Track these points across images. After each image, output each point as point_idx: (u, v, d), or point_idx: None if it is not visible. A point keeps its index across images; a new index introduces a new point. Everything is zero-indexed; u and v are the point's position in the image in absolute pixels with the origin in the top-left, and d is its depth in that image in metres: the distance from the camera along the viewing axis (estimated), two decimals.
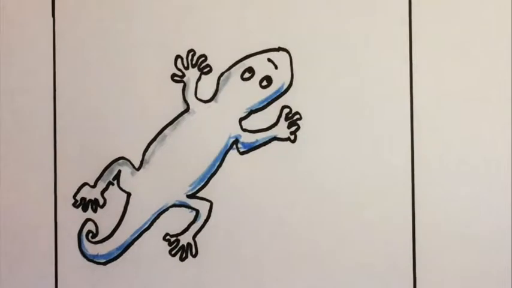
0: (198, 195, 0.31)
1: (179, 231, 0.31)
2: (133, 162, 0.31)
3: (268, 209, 0.31)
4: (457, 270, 0.30)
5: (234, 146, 0.31)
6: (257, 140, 0.31)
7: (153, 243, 0.31)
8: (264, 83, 0.31)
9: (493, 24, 0.30)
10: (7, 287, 0.31)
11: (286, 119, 0.31)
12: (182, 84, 0.31)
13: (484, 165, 0.30)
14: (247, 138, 0.31)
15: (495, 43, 0.30)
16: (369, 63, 0.31)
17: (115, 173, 0.31)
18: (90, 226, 0.31)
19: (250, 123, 0.31)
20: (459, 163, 0.30)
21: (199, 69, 0.31)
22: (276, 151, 0.31)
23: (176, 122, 0.31)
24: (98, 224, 0.31)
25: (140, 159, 0.31)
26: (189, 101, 0.31)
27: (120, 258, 0.31)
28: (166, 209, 0.31)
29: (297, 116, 0.31)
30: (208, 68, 0.31)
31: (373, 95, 0.30)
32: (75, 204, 0.31)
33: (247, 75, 0.31)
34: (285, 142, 0.31)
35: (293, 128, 0.31)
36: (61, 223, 0.31)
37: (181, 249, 0.31)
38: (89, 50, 0.31)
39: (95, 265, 0.31)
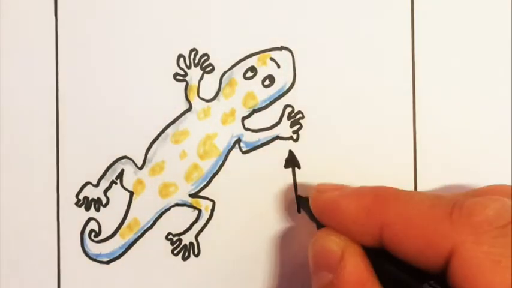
0: (200, 194, 0.31)
1: (181, 230, 0.31)
2: (136, 161, 0.31)
3: (271, 208, 0.31)
4: None
5: (237, 145, 0.31)
6: (259, 139, 0.31)
7: (155, 243, 0.31)
8: (267, 82, 0.31)
9: (497, 19, 0.30)
10: (9, 287, 0.31)
11: (288, 118, 0.31)
12: (185, 83, 0.31)
13: (486, 166, 0.30)
14: (250, 137, 0.31)
15: (499, 38, 0.30)
16: (372, 62, 0.30)
17: (118, 172, 0.31)
18: (92, 225, 0.31)
19: (253, 122, 0.31)
20: (462, 162, 0.30)
21: (201, 69, 0.31)
22: (279, 150, 0.31)
23: (178, 121, 0.31)
24: (101, 223, 0.31)
25: (143, 158, 0.31)
26: (191, 100, 0.31)
27: (123, 257, 0.31)
28: (169, 208, 0.31)
29: (300, 115, 0.31)
30: (211, 67, 0.31)
31: (376, 95, 0.30)
32: (77, 204, 0.31)
33: (249, 74, 0.31)
34: (287, 141, 0.31)
35: (296, 127, 0.31)
36: (63, 222, 0.31)
37: (184, 248, 0.31)
38: (92, 49, 0.31)
39: (98, 264, 0.31)
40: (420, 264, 0.24)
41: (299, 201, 0.30)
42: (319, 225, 0.28)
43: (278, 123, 0.31)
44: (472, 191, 0.27)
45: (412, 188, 0.30)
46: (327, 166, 0.30)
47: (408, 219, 0.24)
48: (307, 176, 0.30)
